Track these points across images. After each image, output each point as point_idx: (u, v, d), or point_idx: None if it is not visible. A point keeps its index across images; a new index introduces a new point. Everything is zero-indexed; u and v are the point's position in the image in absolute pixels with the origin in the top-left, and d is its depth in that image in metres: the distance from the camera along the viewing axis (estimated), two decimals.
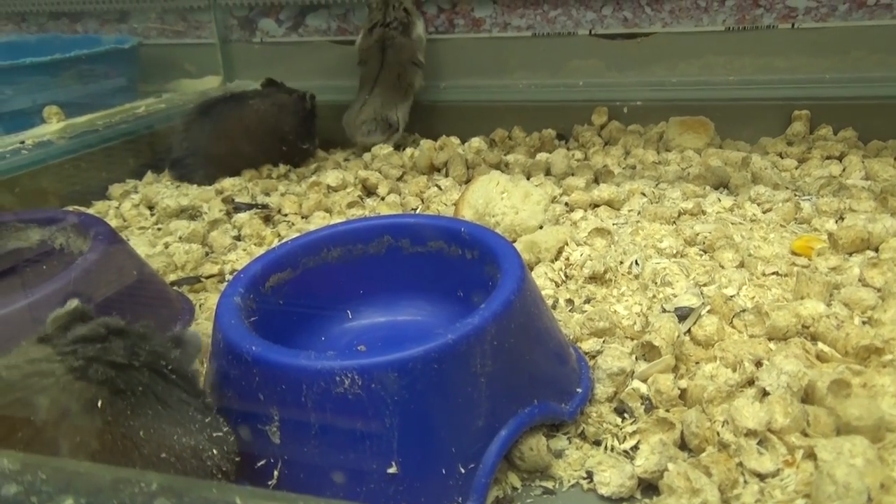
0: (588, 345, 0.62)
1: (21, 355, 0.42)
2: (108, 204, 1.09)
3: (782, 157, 1.07)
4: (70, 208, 1.04)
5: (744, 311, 0.64)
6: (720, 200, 0.89)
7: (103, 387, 0.41)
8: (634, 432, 0.53)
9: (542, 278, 0.73)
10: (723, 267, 0.73)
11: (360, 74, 1.27)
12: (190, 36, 1.52)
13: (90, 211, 1.06)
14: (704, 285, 0.70)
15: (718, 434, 0.50)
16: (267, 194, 1.07)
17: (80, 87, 1.28)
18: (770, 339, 0.61)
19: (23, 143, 1.09)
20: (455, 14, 1.33)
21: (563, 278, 0.75)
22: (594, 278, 0.73)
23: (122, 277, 0.62)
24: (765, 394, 0.53)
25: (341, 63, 1.41)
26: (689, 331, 0.63)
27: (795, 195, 0.90)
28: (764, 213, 0.86)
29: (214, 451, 0.44)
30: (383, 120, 1.23)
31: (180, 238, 0.92)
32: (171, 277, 0.82)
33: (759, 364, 0.57)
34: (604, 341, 0.63)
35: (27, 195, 1.03)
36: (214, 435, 0.45)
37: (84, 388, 0.40)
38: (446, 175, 1.10)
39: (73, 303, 0.44)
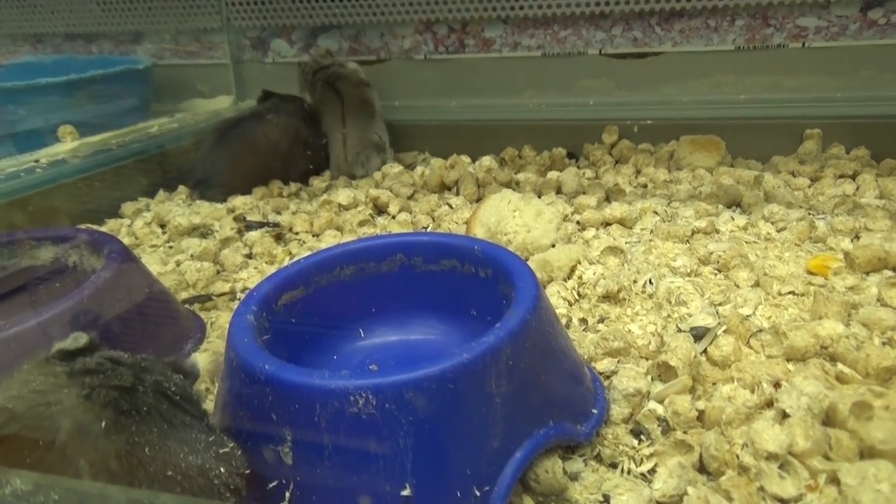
0: (603, 365, 0.62)
1: (24, 383, 0.42)
2: (120, 222, 1.09)
3: (794, 176, 1.06)
4: (83, 226, 1.04)
5: (760, 331, 0.63)
6: (733, 219, 0.88)
7: (109, 409, 0.41)
8: (651, 455, 0.52)
9: (555, 297, 0.73)
10: (738, 286, 0.72)
11: (324, 121, 1.27)
12: (203, 56, 1.54)
13: (103, 229, 1.06)
14: (720, 305, 0.69)
15: (738, 457, 0.49)
16: (278, 213, 1.07)
17: (95, 107, 1.29)
18: (788, 360, 0.60)
19: (37, 161, 1.10)
20: (465, 34, 1.34)
21: (577, 297, 0.75)
22: (608, 297, 0.72)
23: (134, 295, 0.62)
24: (785, 416, 0.52)
25: None
26: (705, 351, 0.62)
27: (809, 214, 0.89)
28: (778, 231, 0.85)
29: (222, 469, 0.44)
30: (372, 144, 1.25)
31: (192, 256, 0.92)
32: (183, 295, 0.82)
33: (777, 385, 0.56)
34: (618, 361, 0.62)
35: (41, 213, 1.04)
36: (221, 452, 0.45)
37: (92, 411, 0.40)
38: (457, 193, 1.10)
39: (83, 338, 0.44)
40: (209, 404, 0.61)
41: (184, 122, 1.37)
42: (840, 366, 0.58)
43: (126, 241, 1.01)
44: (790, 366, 0.59)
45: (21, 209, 1.01)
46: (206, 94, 1.53)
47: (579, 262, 0.79)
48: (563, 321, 0.70)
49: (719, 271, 0.76)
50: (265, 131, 1.20)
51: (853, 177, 1.03)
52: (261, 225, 1.00)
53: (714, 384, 0.58)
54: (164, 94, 1.49)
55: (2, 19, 1.62)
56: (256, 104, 1.29)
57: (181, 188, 1.22)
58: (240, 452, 0.45)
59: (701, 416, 0.54)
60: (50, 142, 1.20)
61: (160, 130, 1.32)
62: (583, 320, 0.70)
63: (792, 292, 0.70)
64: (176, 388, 0.45)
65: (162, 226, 1.06)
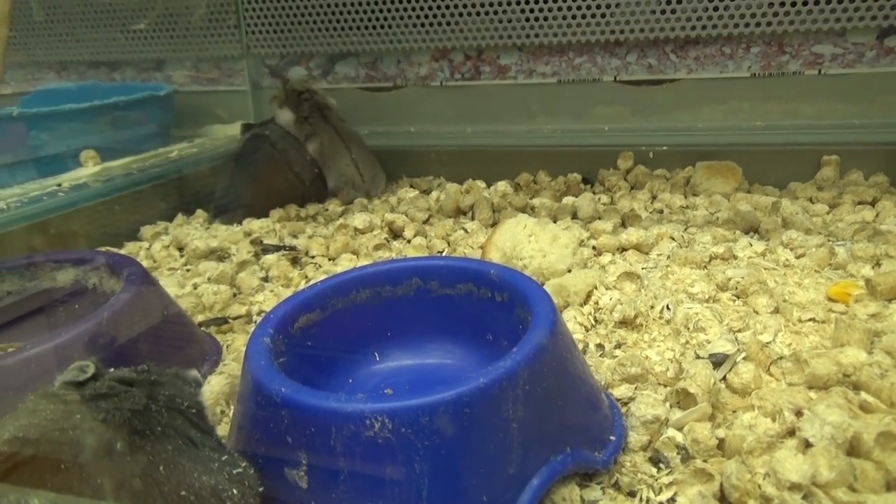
0: (620, 391, 0.61)
1: (32, 413, 0.42)
2: (139, 245, 1.11)
3: (812, 202, 1.05)
4: (102, 249, 1.06)
5: (781, 358, 0.62)
6: (751, 245, 0.88)
7: (124, 430, 0.41)
8: (671, 483, 0.51)
9: (572, 322, 0.72)
10: (757, 313, 0.72)
11: (318, 145, 1.28)
12: (223, 83, 1.57)
13: (122, 252, 1.07)
14: (739, 331, 0.68)
15: (760, 487, 0.48)
16: (294, 236, 1.08)
17: (116, 133, 1.32)
18: (810, 388, 0.59)
19: (59, 185, 1.13)
20: (481, 62, 1.36)
21: (593, 322, 0.74)
22: (624, 323, 0.72)
23: (152, 317, 0.62)
24: (808, 445, 0.51)
25: (370, 109, 1.44)
26: (724, 378, 0.61)
27: (829, 240, 0.88)
28: (797, 258, 0.84)
29: (235, 491, 0.44)
30: (379, 167, 1.31)
31: (209, 279, 0.93)
32: (199, 318, 0.83)
33: (799, 414, 0.55)
34: (636, 387, 0.61)
35: (62, 236, 1.05)
36: (234, 472, 0.45)
37: (108, 433, 0.41)
38: (472, 218, 1.10)
39: (90, 368, 0.44)
40: (224, 427, 0.61)
41: (203, 148, 1.39)
42: (863, 394, 0.57)
43: (144, 263, 1.02)
44: (812, 394, 0.58)
45: (43, 232, 1.03)
46: (226, 119, 1.56)
47: (595, 288, 0.78)
48: (580, 346, 0.69)
49: (738, 297, 0.76)
50: (284, 155, 1.22)
51: (872, 203, 1.02)
52: (277, 248, 1.01)
53: (734, 412, 0.57)
54: (185, 119, 1.52)
55: (29, 47, 1.67)
56: (241, 135, 1.31)
57: (199, 212, 1.24)
58: (252, 472, 0.45)
59: (721, 444, 0.53)
60: (72, 166, 1.22)
61: (180, 155, 1.34)
62: (599, 346, 0.70)
63: (812, 319, 0.69)
64: (189, 403, 0.45)
65: (180, 249, 1.07)
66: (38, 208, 1.05)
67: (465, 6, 1.30)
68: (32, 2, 1.59)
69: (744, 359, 0.63)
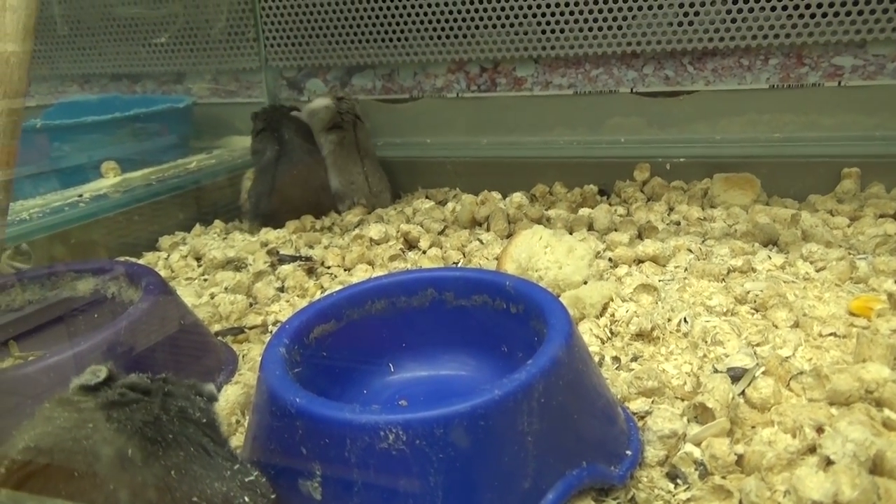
0: (636, 405, 0.60)
1: (47, 421, 0.42)
2: (157, 255, 1.12)
3: (833, 215, 1.04)
4: (122, 259, 1.07)
5: (801, 373, 0.61)
6: (770, 258, 0.87)
7: (137, 438, 0.41)
8: (689, 500, 0.50)
9: (587, 334, 0.72)
10: (776, 327, 0.71)
11: (337, 141, 1.29)
12: (241, 95, 1.59)
13: (141, 261, 1.09)
14: (757, 345, 0.68)
15: None
16: (310, 247, 1.09)
17: (137, 144, 1.34)
18: (831, 404, 0.58)
19: (81, 196, 1.14)
20: (497, 73, 1.37)
21: (609, 335, 0.74)
22: (641, 335, 0.71)
23: (170, 327, 0.63)
24: (829, 463, 0.50)
25: (386, 120, 1.45)
26: (743, 393, 0.61)
27: (850, 254, 0.87)
28: (817, 271, 0.83)
29: (247, 499, 0.44)
30: (385, 179, 1.34)
31: (226, 289, 0.93)
32: (216, 327, 0.83)
33: (820, 430, 0.54)
34: (653, 401, 0.61)
35: (83, 246, 1.07)
36: (246, 480, 0.45)
37: (120, 442, 0.41)
38: (487, 229, 1.10)
39: (102, 372, 0.45)
40: (239, 437, 0.61)
41: (221, 159, 1.41)
42: (887, 411, 0.56)
43: (163, 273, 1.03)
44: (833, 410, 0.57)
45: (64, 242, 1.04)
46: (244, 131, 1.57)
47: (612, 300, 0.78)
48: (595, 359, 0.69)
49: (757, 311, 0.75)
50: (312, 164, 1.25)
51: (894, 216, 1.01)
52: (293, 259, 1.02)
53: (753, 427, 0.56)
54: (203, 131, 1.54)
55: (53, 60, 1.70)
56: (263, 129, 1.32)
57: (217, 222, 1.25)
58: (264, 480, 0.45)
59: (740, 460, 0.53)
60: (93, 177, 1.24)
61: (198, 166, 1.36)
62: (615, 359, 0.69)
63: (833, 334, 0.68)
64: (200, 413, 0.45)
65: (197, 259, 1.08)
66: (59, 218, 1.07)
67: (481, 19, 1.31)
68: (56, 16, 1.62)
69: (763, 373, 0.62)
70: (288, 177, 1.22)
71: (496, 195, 1.27)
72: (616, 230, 1.02)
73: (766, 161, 1.17)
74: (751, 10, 1.16)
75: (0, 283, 0.75)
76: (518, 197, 1.23)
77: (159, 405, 0.44)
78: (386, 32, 1.38)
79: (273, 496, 0.46)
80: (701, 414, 0.57)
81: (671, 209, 1.13)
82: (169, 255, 1.10)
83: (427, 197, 1.33)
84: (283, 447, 0.47)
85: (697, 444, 0.54)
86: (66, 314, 0.76)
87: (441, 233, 1.11)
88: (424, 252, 1.03)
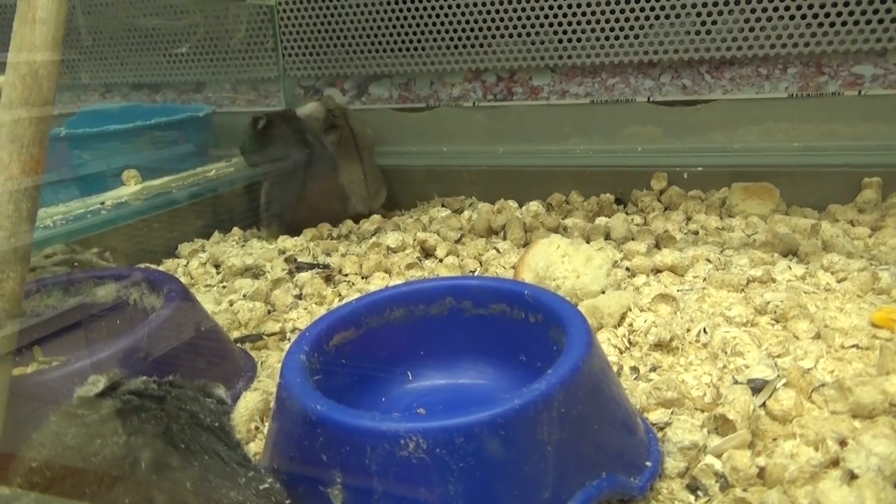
0: (655, 415, 0.60)
1: (55, 437, 0.42)
2: (176, 262, 1.13)
3: (854, 225, 1.03)
4: (142, 265, 1.09)
5: (823, 385, 0.61)
6: (790, 268, 0.86)
7: (148, 450, 0.41)
8: None
9: (605, 344, 0.72)
10: (797, 338, 0.70)
11: (332, 147, 1.30)
12: (259, 104, 1.60)
13: (160, 268, 1.10)
14: (778, 356, 0.67)
15: None
16: (328, 254, 1.09)
17: (157, 152, 1.36)
18: (854, 417, 0.57)
19: (103, 203, 1.16)
20: (513, 82, 1.37)
21: (627, 345, 0.73)
22: (660, 346, 0.71)
23: (191, 333, 0.64)
24: (853, 477, 0.49)
25: (403, 129, 1.46)
26: (763, 404, 0.60)
27: (871, 264, 0.86)
28: (838, 282, 0.82)
29: None
30: (382, 179, 1.35)
31: (244, 296, 0.94)
32: (235, 334, 0.84)
33: (843, 443, 0.53)
34: (672, 412, 0.60)
35: (104, 253, 1.08)
36: (261, 488, 0.45)
37: (131, 455, 0.41)
38: (504, 238, 1.10)
39: (101, 382, 0.44)
40: (258, 444, 0.62)
41: (239, 167, 1.42)
42: None
43: (182, 280, 1.04)
44: (857, 423, 0.56)
45: (87, 249, 1.05)
46: None
47: (630, 309, 0.78)
48: (614, 369, 0.68)
49: (777, 322, 0.74)
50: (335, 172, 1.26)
51: None
52: (311, 266, 1.02)
53: (774, 440, 0.56)
54: (222, 139, 1.56)
55: (76, 70, 1.73)
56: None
57: (235, 230, 1.26)
58: (279, 487, 0.45)
59: (762, 473, 0.52)
60: (112, 185, 1.26)
61: (217, 174, 1.37)
62: (634, 369, 0.69)
63: (856, 346, 0.67)
64: (212, 418, 0.45)
65: (216, 266, 1.09)
66: (81, 225, 1.08)
67: (497, 28, 1.31)
68: (81, 27, 1.65)
69: (784, 385, 0.61)
70: (317, 185, 1.23)
71: (512, 204, 1.27)
72: (633, 239, 1.02)
73: (784, 170, 1.16)
74: (769, 19, 1.15)
75: (25, 289, 0.76)
76: (534, 206, 1.23)
77: (168, 412, 0.44)
78: (403, 42, 1.39)
79: (288, 503, 0.45)
80: (721, 425, 0.57)
81: (689, 218, 1.13)
82: (188, 262, 1.12)
83: (443, 205, 1.33)
84: (303, 454, 0.47)
85: (718, 456, 0.54)
86: (88, 320, 0.77)
87: (458, 241, 1.11)
88: (441, 260, 1.03)
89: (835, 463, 0.52)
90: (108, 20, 1.64)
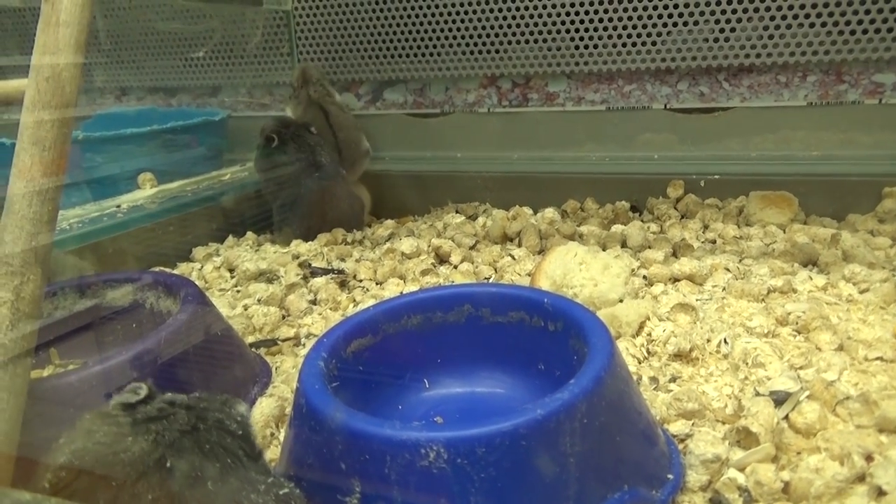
0: (676, 427, 0.59)
1: (88, 434, 0.43)
2: (191, 266, 1.13)
3: (874, 235, 1.02)
4: (156, 269, 1.09)
5: (848, 398, 0.60)
6: (811, 279, 0.85)
7: (174, 450, 0.42)
8: None
9: (624, 354, 0.71)
10: (820, 349, 0.69)
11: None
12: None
13: (175, 272, 1.10)
14: (801, 368, 0.66)
15: None
16: (342, 260, 1.09)
17: (173, 156, 1.36)
18: (881, 431, 0.56)
19: (119, 207, 1.16)
20: (529, 89, 1.37)
21: (646, 355, 0.73)
22: (679, 356, 0.70)
23: (208, 338, 0.63)
24: (881, 493, 0.48)
25: (417, 135, 1.46)
26: (786, 417, 0.59)
27: (894, 275, 0.85)
28: (861, 293, 0.81)
29: None
30: (364, 152, 1.37)
31: (259, 301, 0.94)
32: (249, 339, 0.84)
33: (869, 458, 0.52)
34: (693, 424, 0.59)
35: (119, 256, 1.08)
36: (280, 493, 0.45)
37: (157, 454, 0.41)
38: (519, 245, 1.10)
39: (143, 389, 0.45)
40: (274, 450, 0.61)
41: (253, 171, 1.42)
42: None
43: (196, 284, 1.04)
44: (883, 437, 0.55)
45: (103, 251, 1.06)
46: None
47: (648, 319, 0.77)
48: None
49: (799, 333, 0.73)
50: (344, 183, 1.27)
51: None
52: (325, 272, 1.02)
53: (799, 454, 0.55)
54: (237, 143, 1.56)
55: (92, 73, 1.75)
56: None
57: (249, 234, 1.26)
58: (298, 492, 0.45)
59: (786, 487, 0.51)
60: (125, 188, 1.26)
61: (231, 178, 1.38)
62: (653, 379, 0.68)
63: (880, 358, 0.66)
64: (237, 426, 0.45)
65: (230, 270, 1.09)
66: (97, 228, 1.09)
67: (513, 34, 1.31)
68: (100, 31, 1.67)
69: (807, 398, 0.60)
70: (332, 193, 1.23)
71: (527, 210, 1.26)
72: (650, 248, 1.01)
73: (803, 179, 1.14)
74: (789, 27, 1.14)
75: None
76: (550, 212, 1.22)
77: (196, 416, 0.44)
78: (418, 47, 1.39)
79: None
80: (744, 438, 0.56)
81: (706, 227, 1.12)
82: (203, 266, 1.12)
83: (457, 212, 1.33)
84: (321, 462, 0.47)
85: (741, 470, 0.53)
86: (104, 323, 0.77)
87: (472, 248, 1.11)
88: (456, 267, 1.03)
89: (861, 478, 0.51)
90: (126, 24, 1.65)
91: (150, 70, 1.68)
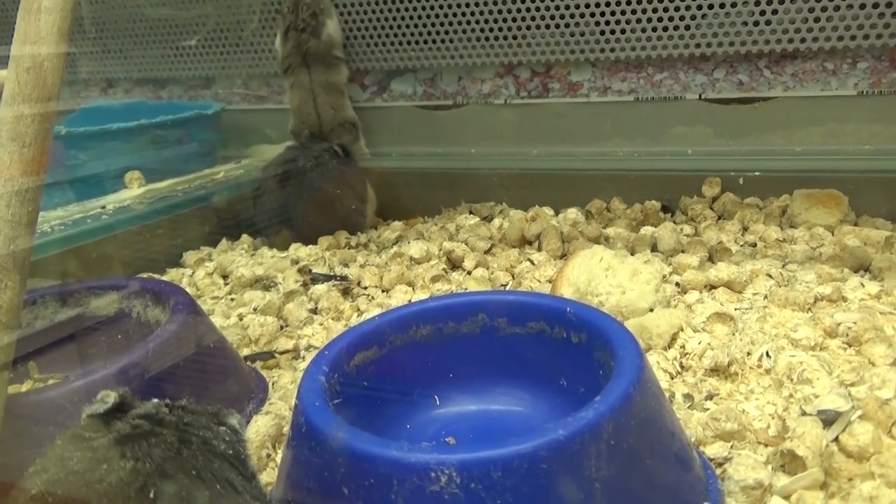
0: (713, 450, 0.59)
1: (60, 462, 0.42)
2: (181, 272, 1.14)
3: None
4: (144, 275, 1.10)
5: None
6: (863, 286, 0.84)
7: (155, 478, 0.41)
8: None
9: (655, 368, 0.70)
10: (873, 364, 0.68)
11: (290, 84, 1.38)
12: (272, 101, 1.62)
13: (164, 278, 1.11)
14: (852, 385, 0.65)
15: None
16: (345, 265, 1.09)
17: (162, 153, 1.37)
18: None
19: (104, 208, 1.18)
20: (549, 78, 1.37)
21: (679, 369, 0.72)
22: (716, 371, 0.69)
23: (199, 351, 0.64)
24: None
25: (427, 128, 1.46)
26: (836, 439, 0.58)
27: None
28: None
29: None
30: (346, 121, 1.39)
31: (255, 310, 0.94)
32: (245, 351, 0.84)
33: None
34: (732, 446, 0.59)
35: (104, 260, 1.09)
36: None
37: (137, 482, 0.41)
38: (539, 249, 1.09)
39: (111, 397, 0.44)
40: (271, 473, 0.61)
41: (249, 169, 1.43)
42: None
43: (187, 291, 1.05)
44: None
45: (85, 256, 1.07)
46: (274, 139, 1.60)
47: (681, 329, 0.76)
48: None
49: (849, 346, 0.72)
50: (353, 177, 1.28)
51: None
52: (327, 278, 1.02)
53: (850, 480, 0.54)
54: (232, 139, 1.57)
55: (75, 63, 1.77)
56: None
57: (244, 237, 1.27)
58: None
59: None
60: (111, 188, 1.27)
61: (225, 177, 1.39)
62: (687, 396, 0.67)
63: None
64: (226, 445, 0.45)
65: (224, 276, 1.10)
66: (80, 231, 1.10)
67: (532, 18, 1.31)
68: (84, 17, 1.69)
69: (860, 418, 0.60)
70: (330, 192, 1.24)
71: (548, 211, 1.26)
72: (683, 252, 1.00)
73: (853, 176, 1.13)
74: (836, 9, 1.13)
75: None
76: (572, 213, 1.22)
77: (178, 438, 0.44)
78: (429, 34, 1.39)
79: None
80: (789, 462, 0.55)
81: (745, 229, 1.11)
82: (194, 272, 1.13)
83: (471, 212, 1.33)
84: (322, 486, 0.47)
85: (786, 497, 0.52)
86: (87, 334, 0.77)
87: (487, 252, 1.10)
88: (469, 273, 1.03)
89: None
90: (113, 10, 1.67)
91: (139, 60, 1.69)
